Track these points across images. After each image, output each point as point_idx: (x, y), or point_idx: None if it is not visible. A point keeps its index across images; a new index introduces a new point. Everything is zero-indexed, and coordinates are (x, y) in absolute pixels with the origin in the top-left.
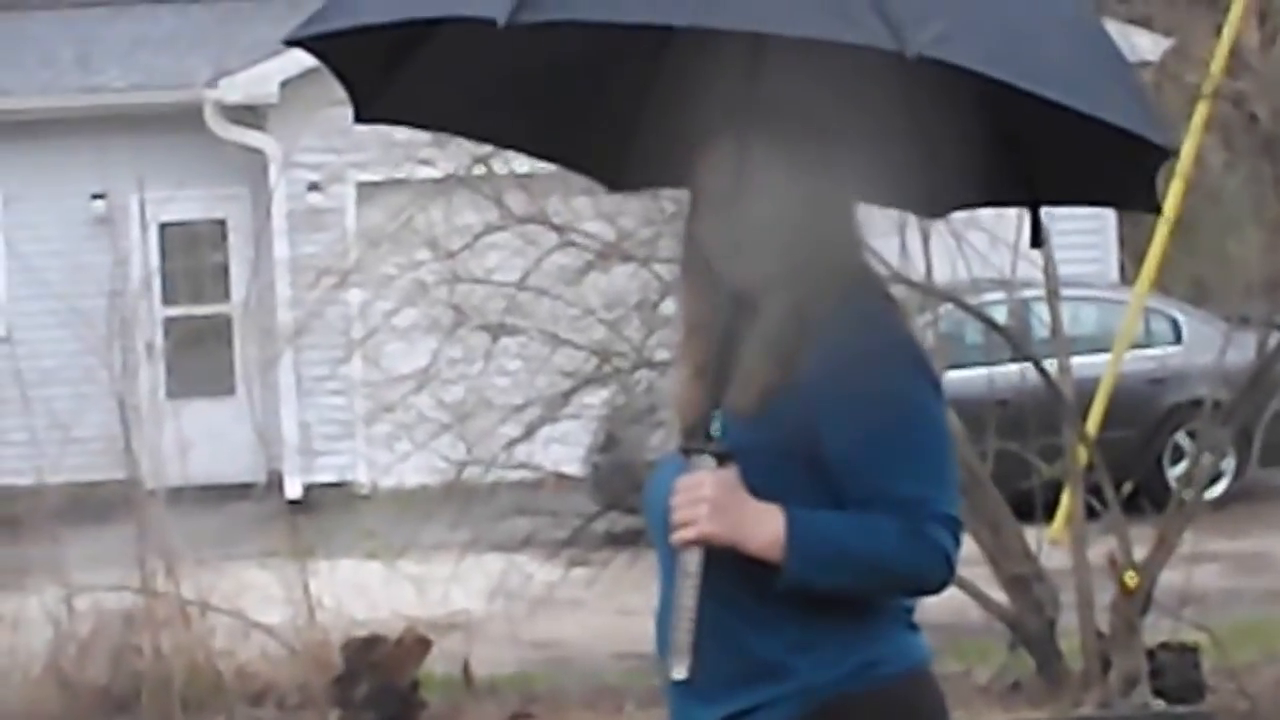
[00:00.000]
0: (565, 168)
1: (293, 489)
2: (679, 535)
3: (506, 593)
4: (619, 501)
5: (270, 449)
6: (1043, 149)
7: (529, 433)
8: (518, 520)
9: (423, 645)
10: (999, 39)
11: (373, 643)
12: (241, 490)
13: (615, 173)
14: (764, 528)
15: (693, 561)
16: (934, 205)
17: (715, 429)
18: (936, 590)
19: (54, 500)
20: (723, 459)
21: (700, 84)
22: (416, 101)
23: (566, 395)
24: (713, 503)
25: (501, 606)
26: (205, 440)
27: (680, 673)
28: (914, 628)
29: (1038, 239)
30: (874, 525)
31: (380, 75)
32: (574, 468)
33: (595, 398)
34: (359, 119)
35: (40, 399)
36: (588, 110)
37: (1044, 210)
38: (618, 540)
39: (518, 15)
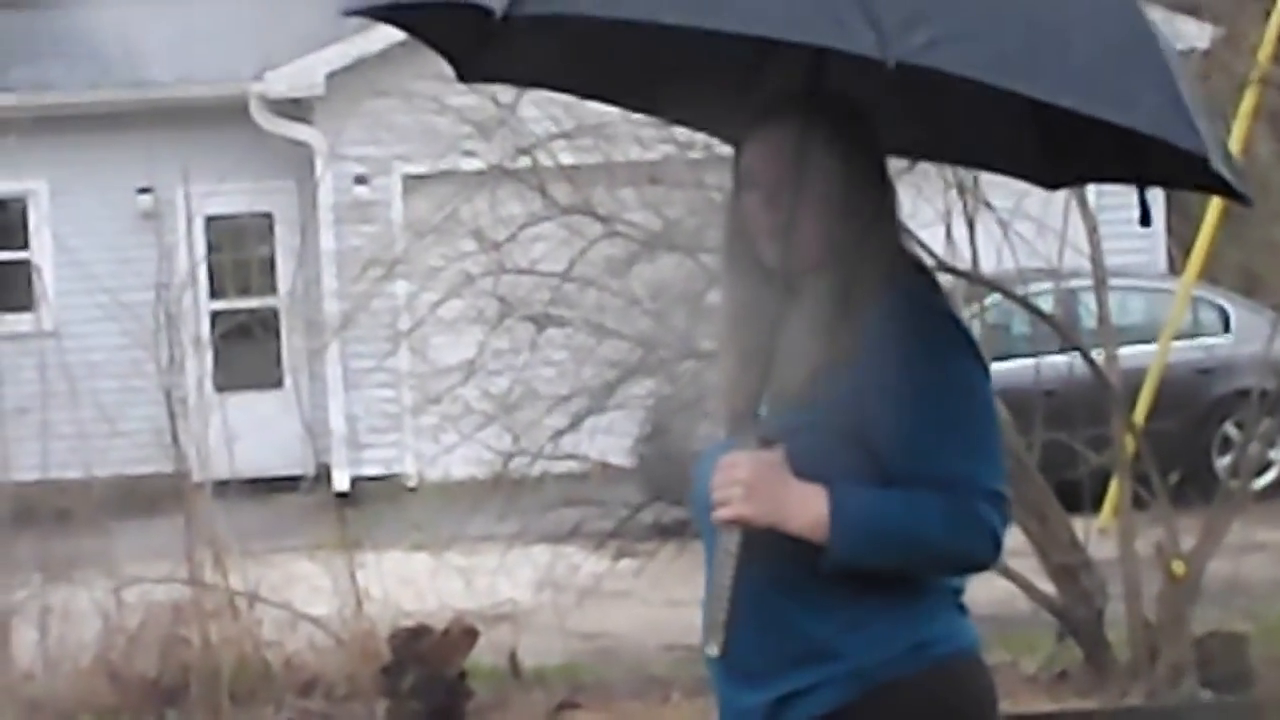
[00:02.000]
0: (672, 121)
1: (340, 481)
2: (717, 514)
3: (554, 583)
4: (666, 492)
5: (317, 441)
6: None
7: (575, 423)
8: (565, 511)
9: (470, 636)
10: (1017, 40)
11: (420, 633)
12: (289, 483)
13: (724, 123)
14: (806, 508)
15: (732, 541)
16: (1055, 176)
17: (762, 411)
18: (985, 567)
19: (102, 493)
20: (768, 441)
21: (770, 64)
22: (513, 59)
23: (613, 385)
24: (748, 483)
25: (549, 597)
26: (252, 433)
27: (713, 649)
28: (963, 609)
29: (1146, 218)
30: (921, 502)
31: (475, 37)
32: (621, 458)
33: (641, 388)
34: (462, 79)
35: (88, 392)
36: (684, 63)
37: (1092, 199)
38: (665, 531)
39: (514, 8)
